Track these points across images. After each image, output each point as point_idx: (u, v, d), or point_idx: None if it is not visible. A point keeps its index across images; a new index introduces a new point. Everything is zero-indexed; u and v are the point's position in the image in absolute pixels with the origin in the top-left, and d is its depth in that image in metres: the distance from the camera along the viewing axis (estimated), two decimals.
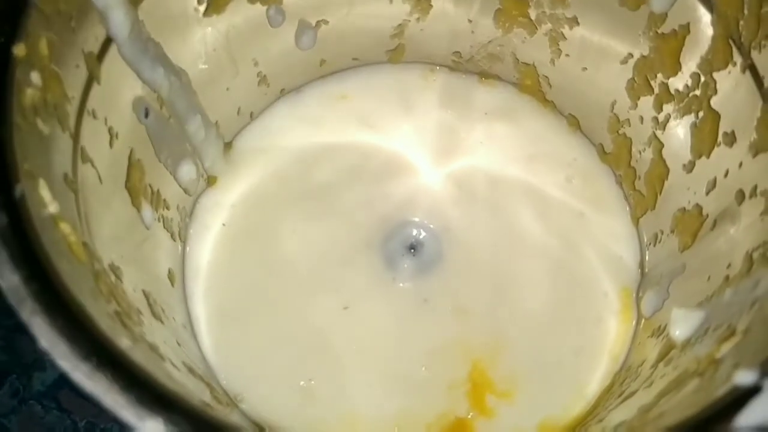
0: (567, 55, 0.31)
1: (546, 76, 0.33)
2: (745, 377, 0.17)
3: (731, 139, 0.26)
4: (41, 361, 0.34)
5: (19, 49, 0.20)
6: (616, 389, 0.28)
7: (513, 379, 0.29)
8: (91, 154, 0.23)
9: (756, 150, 0.24)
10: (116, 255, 0.23)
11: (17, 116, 0.20)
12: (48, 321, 0.17)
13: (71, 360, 0.17)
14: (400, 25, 0.32)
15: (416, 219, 0.32)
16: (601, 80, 0.31)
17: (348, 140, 0.33)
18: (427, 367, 0.29)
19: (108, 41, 0.24)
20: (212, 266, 0.31)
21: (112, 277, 0.22)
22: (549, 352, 0.29)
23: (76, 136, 0.23)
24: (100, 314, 0.19)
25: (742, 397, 0.17)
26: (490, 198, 0.32)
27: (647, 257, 0.31)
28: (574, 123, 0.33)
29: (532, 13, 0.31)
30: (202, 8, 0.28)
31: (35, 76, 0.21)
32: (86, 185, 0.23)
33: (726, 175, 0.26)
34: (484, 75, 0.34)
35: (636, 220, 0.31)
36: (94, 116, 0.24)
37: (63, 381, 0.33)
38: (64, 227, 0.20)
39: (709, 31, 0.26)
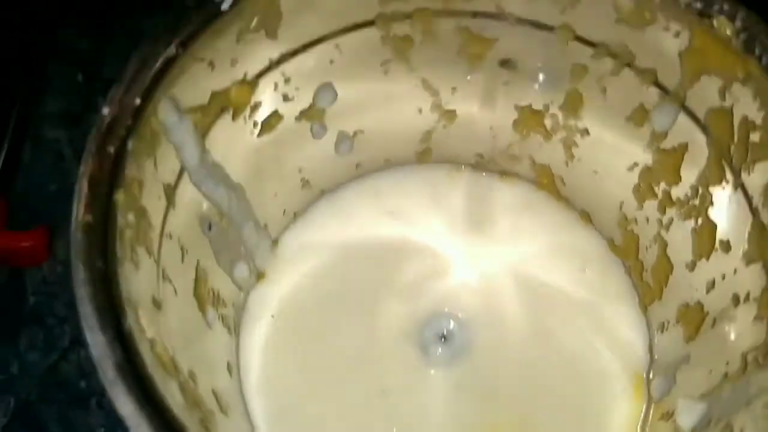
0: (579, 159, 0.35)
1: (560, 176, 0.36)
2: None
3: (727, 247, 0.29)
4: None
5: (119, 195, 0.24)
6: None
7: None
8: (169, 273, 0.27)
9: (748, 260, 0.28)
10: (191, 361, 0.27)
11: (120, 253, 0.24)
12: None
13: None
14: (428, 131, 0.37)
15: (446, 310, 0.35)
16: (609, 183, 0.35)
17: (382, 235, 0.37)
18: None
19: (182, 171, 0.28)
20: (263, 357, 0.34)
21: (192, 384, 0.26)
22: None
23: (158, 260, 0.27)
24: (193, 425, 0.22)
25: None
26: (512, 288, 0.36)
27: (656, 343, 0.34)
28: (586, 218, 0.37)
29: (548, 123, 0.35)
30: (257, 131, 0.32)
31: (131, 216, 0.25)
32: (166, 302, 0.27)
33: (723, 278, 0.30)
34: (505, 173, 0.38)
35: (645, 308, 0.35)
36: (170, 237, 0.28)
37: None
38: (159, 348, 0.24)
39: (705, 152, 0.30)
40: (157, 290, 0.26)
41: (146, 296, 0.25)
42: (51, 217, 0.42)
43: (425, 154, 0.38)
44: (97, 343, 0.21)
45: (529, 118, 0.35)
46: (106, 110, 0.25)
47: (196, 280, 0.30)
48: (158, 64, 0.26)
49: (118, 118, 0.25)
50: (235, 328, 0.34)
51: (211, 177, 0.30)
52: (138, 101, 0.25)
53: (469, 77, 0.34)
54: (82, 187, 0.24)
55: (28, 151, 0.44)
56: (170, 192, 0.28)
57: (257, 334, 0.35)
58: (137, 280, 0.25)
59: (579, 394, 0.34)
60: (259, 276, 0.36)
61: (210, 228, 0.31)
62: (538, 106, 0.34)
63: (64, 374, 0.38)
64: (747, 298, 0.28)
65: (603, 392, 0.34)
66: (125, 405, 0.21)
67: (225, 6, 0.27)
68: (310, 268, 0.36)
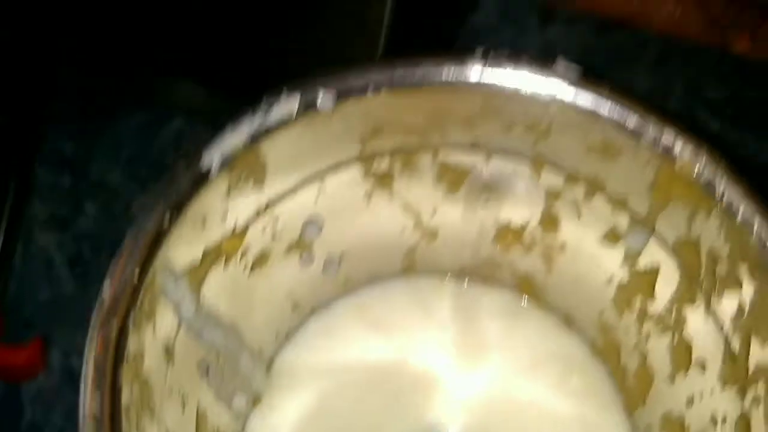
0: (558, 270, 0.37)
1: (541, 284, 0.38)
2: None
3: (703, 366, 0.31)
4: None
5: (123, 376, 0.25)
6: None
7: None
8: (171, 427, 0.29)
9: (723, 382, 0.30)
10: None
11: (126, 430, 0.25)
12: None
13: None
14: (411, 247, 0.38)
15: (438, 422, 0.37)
16: (589, 293, 0.36)
17: (370, 351, 0.38)
18: None
19: (179, 326, 0.30)
20: None
21: None
22: None
23: (161, 420, 0.28)
24: None
25: None
26: (501, 396, 0.37)
27: None
28: (569, 321, 0.38)
29: (526, 238, 0.36)
30: (248, 270, 0.33)
31: (135, 389, 0.26)
32: None
33: (701, 396, 0.31)
34: (489, 282, 0.39)
35: (630, 413, 0.36)
36: (171, 393, 0.29)
37: None
38: None
39: (676, 275, 0.31)
40: None
41: None
42: (43, 326, 0.43)
43: (410, 268, 0.39)
44: None
45: (508, 234, 0.36)
46: (106, 290, 0.26)
47: (198, 424, 0.31)
48: (153, 234, 0.27)
49: (119, 296, 0.26)
50: None
51: (207, 323, 0.31)
52: (136, 275, 0.27)
53: (448, 200, 0.35)
54: (89, 373, 0.25)
55: (19, 257, 0.45)
56: (169, 349, 0.29)
57: None
58: None
59: None
60: (255, 401, 0.37)
61: (207, 371, 0.32)
62: (516, 224, 0.36)
63: None
64: (724, 420, 0.29)
65: None
66: None
67: (214, 167, 0.29)
68: (302, 389, 0.37)
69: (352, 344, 0.38)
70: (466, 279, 0.39)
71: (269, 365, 0.38)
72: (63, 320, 0.43)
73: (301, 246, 0.35)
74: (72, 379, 0.42)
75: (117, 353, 0.25)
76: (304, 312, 0.38)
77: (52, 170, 0.48)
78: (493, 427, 0.36)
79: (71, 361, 0.42)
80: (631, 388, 0.36)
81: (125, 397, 0.25)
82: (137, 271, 0.27)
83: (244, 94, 0.30)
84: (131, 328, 0.26)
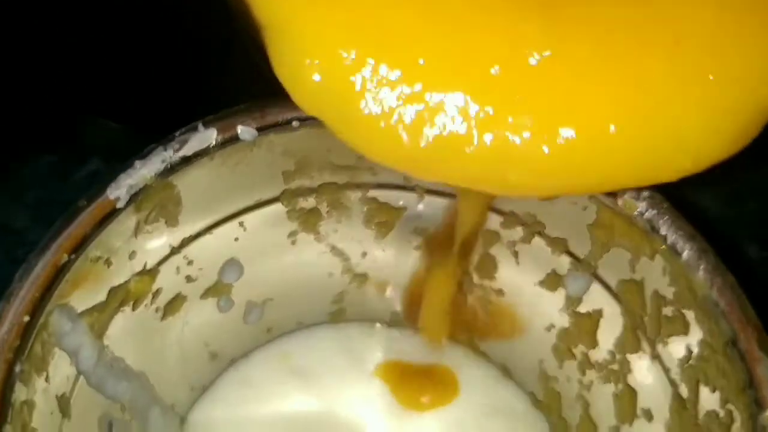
0: (494, 316, 0.36)
1: (477, 333, 0.37)
2: None
3: (649, 415, 0.30)
4: None
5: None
6: None
7: None
8: None
9: None
10: None
11: None
12: None
13: None
14: (340, 292, 0.36)
15: None
16: (528, 341, 0.35)
17: (293, 405, 0.36)
18: None
19: (77, 377, 0.27)
20: None
21: None
22: None
23: None
24: None
25: None
26: None
27: None
28: (507, 373, 0.37)
29: (464, 282, 0.35)
30: (159, 315, 0.31)
31: None
32: None
33: None
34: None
35: None
36: None
37: None
38: None
39: (620, 320, 0.30)
40: None
41: None
42: None
43: (338, 314, 0.37)
44: None
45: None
46: None
47: None
48: (47, 274, 0.25)
49: (4, 340, 0.24)
50: None
51: (111, 373, 0.29)
52: (26, 318, 0.24)
53: (379, 243, 0.34)
54: None
55: None
56: (64, 403, 0.26)
57: None
58: None
59: None
60: None
61: (111, 428, 0.29)
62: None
63: None
64: None
65: None
66: None
67: (120, 204, 0.27)
68: None
69: (274, 395, 0.36)
70: (398, 327, 0.38)
71: (183, 421, 0.35)
72: None
73: (219, 290, 0.33)
74: None
75: (1, 403, 0.23)
76: (223, 362, 0.36)
77: None
78: None
79: None
80: None
81: None
82: (27, 316, 0.24)
83: (163, 131, 0.29)
84: (18, 375, 0.24)
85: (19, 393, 0.24)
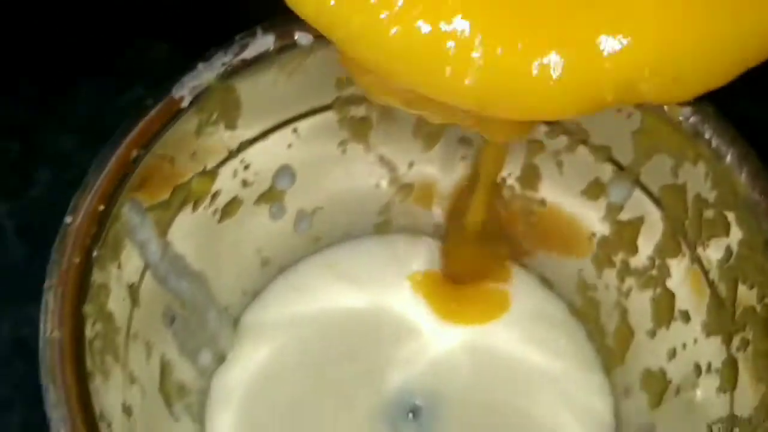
0: (537, 228, 0.37)
1: (519, 243, 0.38)
2: None
3: (686, 317, 0.31)
4: None
5: (86, 306, 0.25)
6: None
7: None
8: (136, 375, 0.28)
9: (708, 331, 0.30)
10: None
11: (90, 366, 0.24)
12: None
13: None
14: (386, 204, 0.38)
15: (413, 384, 0.36)
16: (567, 251, 0.36)
17: (342, 307, 0.38)
18: None
19: (145, 268, 0.29)
20: None
21: None
22: None
23: (125, 364, 0.27)
24: None
25: None
26: (477, 358, 0.37)
27: (621, 409, 0.36)
28: (546, 283, 0.39)
29: (505, 194, 0.36)
30: (217, 217, 0.33)
31: (98, 325, 0.25)
32: (135, 406, 0.27)
33: (684, 347, 0.31)
34: None
35: (608, 373, 0.37)
36: (136, 338, 0.28)
37: None
38: None
39: (660, 225, 0.32)
40: (126, 396, 0.27)
41: (117, 406, 0.25)
42: None
43: (384, 226, 0.39)
44: None
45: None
46: (68, 219, 0.26)
47: (162, 375, 0.31)
48: (119, 168, 0.27)
49: (82, 227, 0.25)
50: (198, 416, 0.35)
51: (173, 269, 0.31)
52: (102, 207, 0.26)
53: (426, 153, 0.35)
54: (49, 302, 0.24)
55: None
56: (134, 291, 0.28)
57: (220, 420, 0.35)
58: (108, 391, 0.25)
59: None
60: (221, 360, 0.36)
61: (173, 321, 0.31)
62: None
63: None
64: (709, 368, 0.30)
65: None
66: None
67: (184, 103, 0.28)
68: (271, 347, 0.37)
69: (321, 299, 0.38)
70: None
71: (235, 323, 0.37)
72: (14, 290, 0.42)
73: (272, 196, 0.35)
74: (22, 349, 0.41)
75: (79, 283, 0.25)
76: (274, 269, 0.38)
77: (1, 139, 0.47)
78: (465, 383, 0.36)
79: (21, 332, 0.41)
80: (610, 347, 0.36)
81: (89, 329, 0.24)
82: (102, 205, 0.26)
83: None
84: (95, 260, 0.25)
85: (96, 276, 0.26)
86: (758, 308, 0.27)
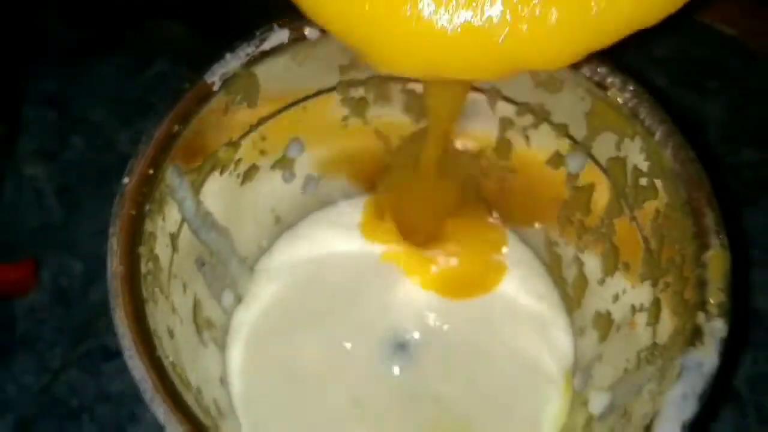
0: (510, 192, 0.44)
1: (496, 205, 0.45)
2: None
3: (626, 267, 0.38)
4: None
5: (141, 249, 0.32)
6: None
7: None
8: (176, 306, 0.35)
9: (642, 278, 0.37)
10: (197, 377, 0.35)
11: (145, 295, 0.31)
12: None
13: None
14: (382, 169, 0.45)
15: (406, 321, 0.43)
16: (536, 212, 0.43)
17: (343, 253, 0.45)
18: None
19: (182, 222, 0.36)
20: (245, 368, 0.42)
21: (200, 396, 0.34)
22: (511, 426, 0.41)
23: (168, 296, 0.34)
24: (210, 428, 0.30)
25: None
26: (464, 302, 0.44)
27: (578, 345, 0.43)
28: (519, 237, 0.46)
29: (483, 164, 0.43)
30: (239, 181, 0.40)
31: (150, 264, 0.33)
32: (175, 330, 0.35)
33: (624, 292, 0.38)
34: None
35: (570, 315, 0.44)
36: (176, 277, 0.35)
37: None
38: (178, 369, 0.32)
39: (608, 191, 0.39)
40: (169, 322, 0.34)
41: (164, 327, 0.32)
42: (34, 249, 0.48)
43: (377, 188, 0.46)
44: (137, 367, 0.29)
45: (468, 160, 0.43)
46: (126, 180, 0.32)
47: (194, 309, 0.38)
48: (164, 140, 0.34)
49: (136, 187, 0.32)
50: (221, 345, 0.42)
51: (204, 224, 0.38)
52: (151, 171, 0.33)
53: (416, 126, 0.42)
54: (113, 245, 0.31)
55: (9, 189, 0.50)
56: (174, 240, 0.35)
57: (236, 348, 0.42)
58: (156, 315, 0.32)
59: (520, 396, 0.42)
60: (239, 301, 0.43)
61: (203, 265, 0.39)
62: (474, 149, 0.43)
63: (57, 393, 0.44)
64: (641, 308, 0.37)
65: (539, 388, 0.42)
66: (162, 413, 0.28)
67: (216, 87, 0.35)
68: (278, 288, 0.43)
69: (322, 245, 0.45)
70: None
71: (252, 271, 0.44)
72: (53, 244, 0.48)
73: (284, 165, 0.42)
74: (61, 297, 0.47)
75: (136, 229, 0.32)
76: (284, 227, 0.45)
77: (39, 108, 0.53)
78: (452, 319, 0.43)
79: (60, 281, 0.47)
80: (570, 294, 0.43)
81: (143, 267, 0.32)
82: (151, 169, 0.33)
83: (226, 36, 0.36)
84: (147, 213, 0.32)
85: (147, 226, 0.33)
86: (677, 258, 0.34)
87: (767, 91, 0.55)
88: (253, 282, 0.44)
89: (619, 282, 0.39)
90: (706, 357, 0.30)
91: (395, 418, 0.41)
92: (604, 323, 0.40)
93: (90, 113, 0.53)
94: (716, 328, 0.31)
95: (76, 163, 0.51)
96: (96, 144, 0.52)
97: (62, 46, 0.56)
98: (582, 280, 0.42)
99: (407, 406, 0.41)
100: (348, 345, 0.43)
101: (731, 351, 0.31)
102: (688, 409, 0.30)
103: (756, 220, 0.50)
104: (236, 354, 0.42)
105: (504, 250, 0.46)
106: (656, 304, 0.35)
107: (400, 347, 0.43)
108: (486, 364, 0.43)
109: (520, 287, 0.44)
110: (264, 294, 0.44)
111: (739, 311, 0.32)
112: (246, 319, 0.43)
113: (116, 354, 0.42)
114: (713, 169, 0.35)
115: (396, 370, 0.42)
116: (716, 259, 0.32)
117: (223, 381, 0.41)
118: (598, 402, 0.37)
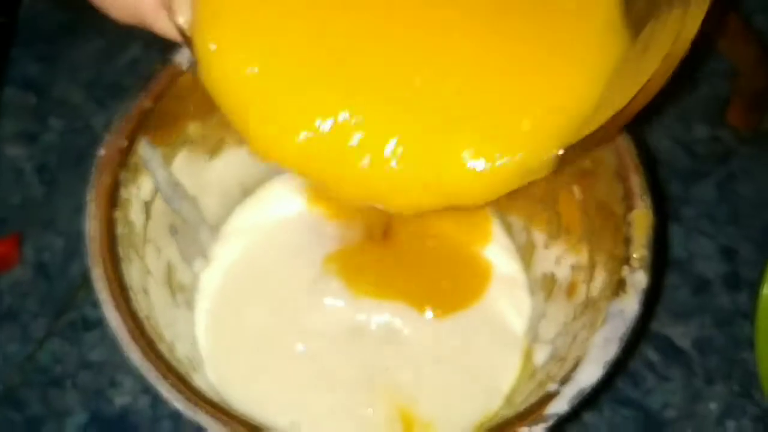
0: None
1: None
2: (553, 387, 0.34)
3: (568, 231, 0.42)
4: (72, 408, 0.46)
5: (116, 213, 0.36)
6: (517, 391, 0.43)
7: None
8: (150, 268, 0.39)
9: (579, 240, 0.41)
10: (170, 333, 0.39)
11: (120, 254, 0.35)
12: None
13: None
14: None
15: None
16: None
17: (304, 212, 0.48)
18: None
19: (155, 191, 0.40)
20: (209, 327, 0.45)
21: (173, 350, 0.38)
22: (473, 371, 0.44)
23: (143, 258, 0.38)
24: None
25: (549, 397, 0.33)
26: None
27: (531, 305, 0.47)
28: None
29: None
30: (208, 155, 0.44)
31: (125, 228, 0.36)
32: (150, 290, 0.38)
33: (566, 253, 0.43)
34: None
35: (527, 276, 0.48)
36: (150, 242, 0.39)
37: (91, 421, 0.45)
38: (152, 322, 0.35)
39: None
40: (144, 281, 0.38)
41: (139, 286, 0.36)
42: (17, 226, 0.51)
43: None
44: (113, 318, 0.33)
45: None
46: (102, 151, 0.36)
47: (168, 272, 0.41)
48: (138, 115, 0.37)
49: (111, 157, 0.36)
50: (191, 305, 0.45)
51: (175, 194, 0.42)
52: (125, 143, 0.37)
53: None
54: (91, 209, 0.35)
55: None
56: (148, 208, 0.39)
57: (202, 305, 0.45)
58: (131, 274, 0.36)
59: (481, 350, 0.45)
60: (207, 262, 0.46)
61: (176, 233, 0.42)
62: None
63: (41, 361, 0.47)
64: (579, 267, 0.41)
65: (500, 345, 0.45)
66: (137, 357, 0.32)
67: (184, 67, 0.39)
68: (240, 248, 0.46)
69: (284, 204, 0.48)
70: None
71: (217, 231, 0.47)
72: (34, 221, 0.51)
73: None
74: (44, 271, 0.50)
75: (111, 195, 0.35)
76: (248, 193, 0.48)
77: (19, 91, 0.56)
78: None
79: (42, 256, 0.50)
80: (525, 260, 0.47)
81: (119, 230, 0.35)
82: (126, 141, 0.37)
83: None
84: (121, 181, 0.36)
85: (122, 192, 0.36)
86: (607, 218, 0.38)
87: (718, 72, 0.59)
88: (218, 243, 0.47)
89: (561, 245, 0.43)
90: (628, 305, 0.35)
91: (345, 360, 0.44)
92: (549, 283, 0.44)
93: (69, 96, 0.57)
94: (637, 279, 0.35)
95: (56, 144, 0.54)
96: (74, 126, 0.55)
97: (42, 31, 0.59)
98: (530, 246, 0.46)
99: (356, 348, 0.44)
100: (295, 287, 0.45)
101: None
102: (610, 351, 0.34)
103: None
104: (200, 309, 0.45)
105: None
106: (591, 262, 0.39)
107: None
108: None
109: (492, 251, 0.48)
110: (225, 252, 0.47)
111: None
112: (209, 279, 0.46)
113: (96, 324, 0.48)
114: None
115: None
116: (640, 218, 0.36)
117: (193, 338, 0.44)
118: (541, 354, 0.41)
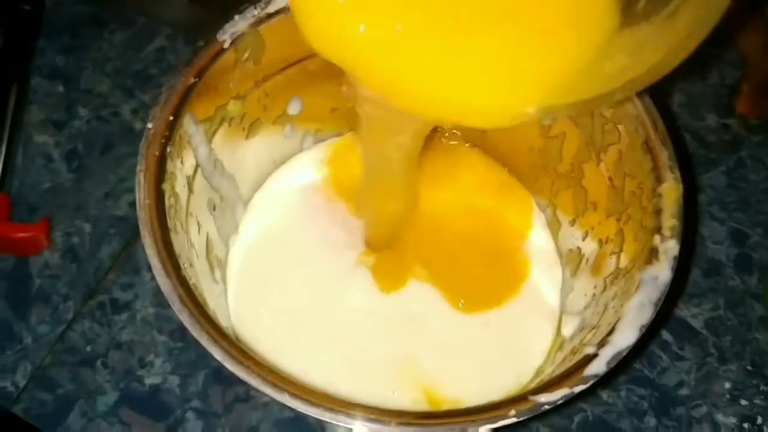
0: (493, 145, 0.49)
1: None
2: (591, 349, 0.35)
3: (594, 206, 0.43)
4: (102, 387, 0.46)
5: (164, 185, 0.37)
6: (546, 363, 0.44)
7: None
8: (193, 241, 0.40)
9: (607, 214, 0.42)
10: (212, 303, 0.40)
11: (169, 224, 0.36)
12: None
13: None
14: None
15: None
16: (516, 162, 0.48)
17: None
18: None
19: (197, 166, 0.41)
20: (239, 299, 0.46)
21: (216, 318, 0.38)
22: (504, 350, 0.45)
23: (186, 231, 0.39)
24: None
25: (588, 359, 0.34)
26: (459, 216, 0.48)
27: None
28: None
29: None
30: (245, 133, 0.45)
31: (171, 199, 0.37)
32: (193, 261, 0.39)
33: (593, 229, 0.43)
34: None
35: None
36: (192, 215, 0.40)
37: (121, 401, 0.46)
38: (198, 291, 0.36)
39: (577, 139, 0.44)
40: (189, 254, 0.38)
41: (185, 257, 0.37)
42: (47, 211, 0.51)
43: None
44: (165, 284, 0.34)
45: None
46: (150, 125, 0.37)
47: (207, 247, 0.42)
48: (182, 90, 0.38)
49: (159, 130, 0.37)
50: (223, 278, 0.45)
51: (215, 170, 0.42)
52: (171, 118, 0.38)
53: None
54: (141, 181, 0.36)
55: (21, 155, 0.54)
56: (191, 182, 0.40)
57: (231, 272, 0.46)
58: (178, 245, 0.37)
59: (517, 318, 0.46)
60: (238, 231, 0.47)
61: (214, 209, 0.43)
62: None
63: (71, 342, 0.47)
64: (607, 240, 0.42)
65: (538, 315, 0.46)
66: (188, 320, 0.33)
67: (226, 45, 0.40)
68: (272, 219, 0.47)
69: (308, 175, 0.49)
70: None
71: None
72: (63, 206, 0.52)
73: (285, 120, 0.46)
74: (73, 255, 0.51)
75: (159, 168, 0.36)
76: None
77: (47, 80, 0.57)
78: (446, 246, 0.47)
79: (72, 240, 0.51)
80: (550, 237, 0.48)
81: (166, 201, 0.36)
82: (172, 116, 0.38)
83: (224, 8, 0.40)
84: (168, 154, 0.37)
85: (168, 166, 0.37)
86: (637, 191, 0.39)
87: (727, 61, 0.60)
88: (248, 214, 0.47)
89: (588, 221, 0.44)
90: (661, 271, 0.35)
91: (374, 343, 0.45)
92: (576, 258, 0.45)
93: (96, 86, 0.57)
94: (669, 247, 0.36)
95: (83, 131, 0.55)
96: (101, 114, 0.56)
97: (70, 22, 0.59)
98: (556, 222, 0.47)
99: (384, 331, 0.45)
100: (320, 256, 0.46)
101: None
102: (645, 315, 0.35)
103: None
104: (230, 276, 0.46)
105: None
106: (620, 234, 0.40)
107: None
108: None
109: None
110: (258, 224, 0.47)
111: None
112: (237, 247, 0.46)
113: (125, 306, 0.48)
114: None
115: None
116: (670, 190, 0.37)
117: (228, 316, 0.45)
118: (570, 327, 0.42)
